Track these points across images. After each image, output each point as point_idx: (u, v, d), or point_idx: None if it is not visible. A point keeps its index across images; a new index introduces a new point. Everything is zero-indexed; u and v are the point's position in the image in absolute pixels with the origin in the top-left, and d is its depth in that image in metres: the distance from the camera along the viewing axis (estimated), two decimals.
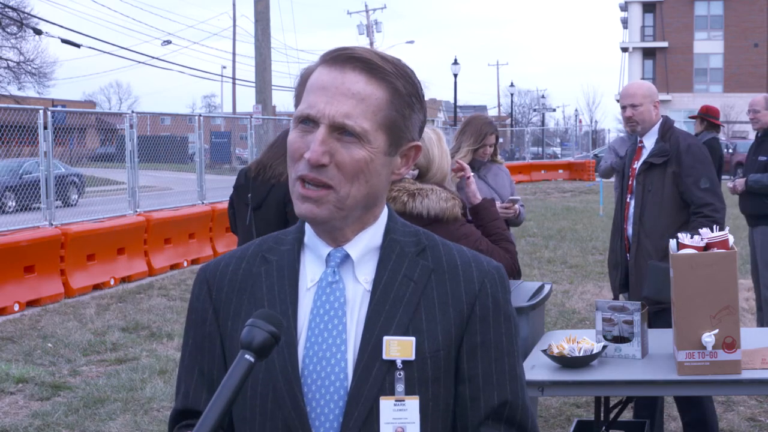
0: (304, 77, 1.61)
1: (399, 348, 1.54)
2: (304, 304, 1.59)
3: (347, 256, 1.59)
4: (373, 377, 1.53)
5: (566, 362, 3.82)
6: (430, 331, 1.56)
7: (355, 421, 1.52)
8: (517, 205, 5.56)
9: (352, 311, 1.57)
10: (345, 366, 1.54)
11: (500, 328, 1.61)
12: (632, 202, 5.09)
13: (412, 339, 1.54)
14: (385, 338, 1.54)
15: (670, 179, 4.93)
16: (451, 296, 1.59)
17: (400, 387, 1.53)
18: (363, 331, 1.55)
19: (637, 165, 5.10)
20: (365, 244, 1.60)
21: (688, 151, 4.93)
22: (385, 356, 1.53)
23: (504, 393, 1.59)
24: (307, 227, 1.64)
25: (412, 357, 1.54)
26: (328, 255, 1.60)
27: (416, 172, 3.89)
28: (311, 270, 1.61)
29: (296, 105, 1.63)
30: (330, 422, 1.53)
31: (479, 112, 6.59)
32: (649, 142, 5.08)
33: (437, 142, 3.92)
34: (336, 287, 1.58)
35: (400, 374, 1.53)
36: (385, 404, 1.53)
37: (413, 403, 1.53)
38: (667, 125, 5.07)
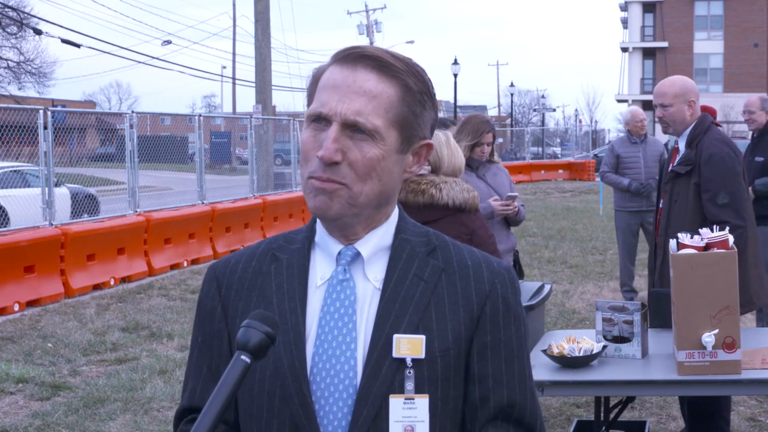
0: (316, 76, 1.61)
1: (409, 346, 1.54)
2: (313, 301, 1.60)
3: (358, 254, 1.60)
4: (382, 375, 1.53)
5: (566, 362, 3.82)
6: (440, 331, 1.56)
7: (365, 418, 1.52)
8: (516, 203, 5.57)
9: (362, 309, 1.58)
10: (354, 364, 1.54)
11: (510, 329, 1.61)
12: (662, 209, 4.82)
13: (422, 337, 1.55)
14: (396, 336, 1.54)
15: (693, 191, 4.61)
16: (461, 296, 1.59)
17: (409, 385, 1.54)
18: (373, 328, 1.56)
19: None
20: (376, 242, 1.61)
21: (709, 163, 4.56)
22: (395, 354, 1.54)
23: (513, 394, 1.59)
24: (318, 226, 1.65)
25: (422, 355, 1.54)
26: (339, 253, 1.60)
27: (429, 167, 4.22)
28: (321, 268, 1.62)
29: (308, 104, 1.63)
30: (338, 420, 1.53)
31: (477, 112, 6.62)
32: (683, 145, 4.75)
33: (446, 142, 4.24)
34: (346, 285, 1.58)
35: (409, 372, 1.54)
36: (395, 402, 1.53)
37: (423, 402, 1.54)
38: (698, 129, 4.68)
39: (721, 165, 4.57)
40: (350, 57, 1.56)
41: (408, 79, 1.57)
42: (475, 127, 5.72)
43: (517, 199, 5.63)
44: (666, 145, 5.06)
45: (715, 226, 3.81)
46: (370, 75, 1.54)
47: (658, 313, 4.30)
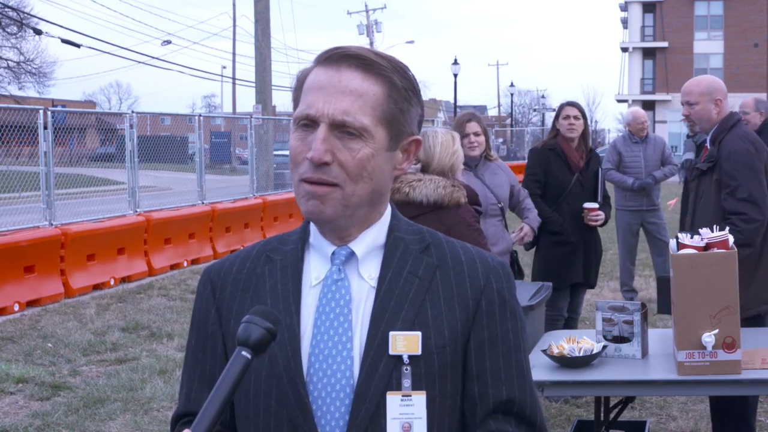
0: (301, 79, 1.61)
1: (405, 343, 1.55)
2: (308, 301, 1.60)
3: (352, 254, 1.60)
4: (379, 373, 1.53)
5: (566, 362, 3.82)
6: (436, 327, 1.57)
7: (362, 417, 1.52)
8: (526, 226, 5.85)
9: (357, 308, 1.58)
10: (351, 363, 1.54)
11: (506, 324, 1.62)
12: (688, 207, 4.77)
13: (418, 333, 1.55)
14: (391, 333, 1.55)
15: (715, 187, 4.54)
16: (456, 292, 1.60)
17: (406, 382, 1.54)
18: (369, 326, 1.56)
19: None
20: (370, 241, 1.61)
21: (729, 158, 4.50)
22: (391, 351, 1.54)
23: (512, 389, 1.60)
24: (312, 227, 1.65)
25: (419, 352, 1.55)
26: (333, 253, 1.60)
27: (419, 165, 4.25)
28: (315, 268, 1.62)
29: (294, 108, 1.63)
30: (336, 420, 1.54)
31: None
32: (709, 142, 4.69)
33: (446, 141, 4.28)
34: (341, 284, 1.59)
35: (406, 369, 1.54)
36: (392, 399, 1.53)
37: (420, 398, 1.54)
38: (722, 127, 4.61)
39: (741, 160, 4.49)
40: (333, 57, 1.56)
41: (393, 76, 1.57)
42: (457, 120, 5.79)
43: (531, 214, 5.84)
44: (700, 143, 4.93)
45: (715, 227, 3.79)
46: (354, 74, 1.55)
47: (666, 298, 4.25)
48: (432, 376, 1.55)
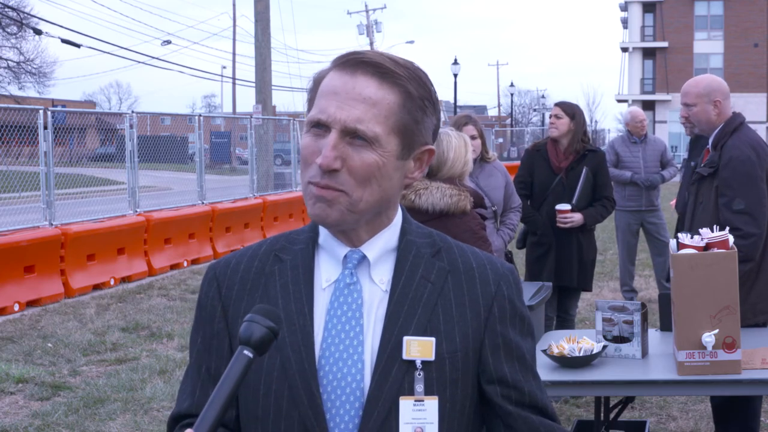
0: (317, 82, 1.60)
1: (419, 348, 1.55)
2: (319, 303, 1.59)
3: (364, 258, 1.60)
4: (392, 377, 1.53)
5: (566, 362, 3.82)
6: (447, 333, 1.57)
7: (374, 421, 1.52)
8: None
9: (369, 312, 1.58)
10: (362, 367, 1.54)
11: (516, 328, 1.63)
12: (687, 211, 4.65)
13: (433, 339, 1.55)
14: (406, 338, 1.55)
15: (715, 193, 4.39)
16: (467, 298, 1.60)
17: (419, 387, 1.54)
18: (382, 331, 1.56)
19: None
20: (382, 245, 1.61)
21: (727, 166, 4.34)
22: (405, 356, 1.54)
23: (532, 389, 1.63)
24: (322, 228, 1.64)
25: (432, 357, 1.55)
26: (345, 256, 1.60)
27: (426, 169, 4.06)
28: (326, 270, 1.61)
29: (308, 110, 1.62)
30: (346, 423, 1.54)
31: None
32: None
33: (459, 147, 4.25)
34: (354, 288, 1.58)
35: (419, 374, 1.54)
36: (405, 404, 1.53)
37: (432, 404, 1.54)
38: (724, 130, 4.45)
39: (740, 168, 4.33)
40: (350, 63, 1.55)
41: (409, 86, 1.55)
42: (454, 122, 5.73)
43: (502, 235, 5.80)
44: (692, 140, 4.82)
45: (715, 227, 3.79)
46: (369, 81, 1.53)
47: (667, 316, 4.21)
48: (444, 381, 1.56)
